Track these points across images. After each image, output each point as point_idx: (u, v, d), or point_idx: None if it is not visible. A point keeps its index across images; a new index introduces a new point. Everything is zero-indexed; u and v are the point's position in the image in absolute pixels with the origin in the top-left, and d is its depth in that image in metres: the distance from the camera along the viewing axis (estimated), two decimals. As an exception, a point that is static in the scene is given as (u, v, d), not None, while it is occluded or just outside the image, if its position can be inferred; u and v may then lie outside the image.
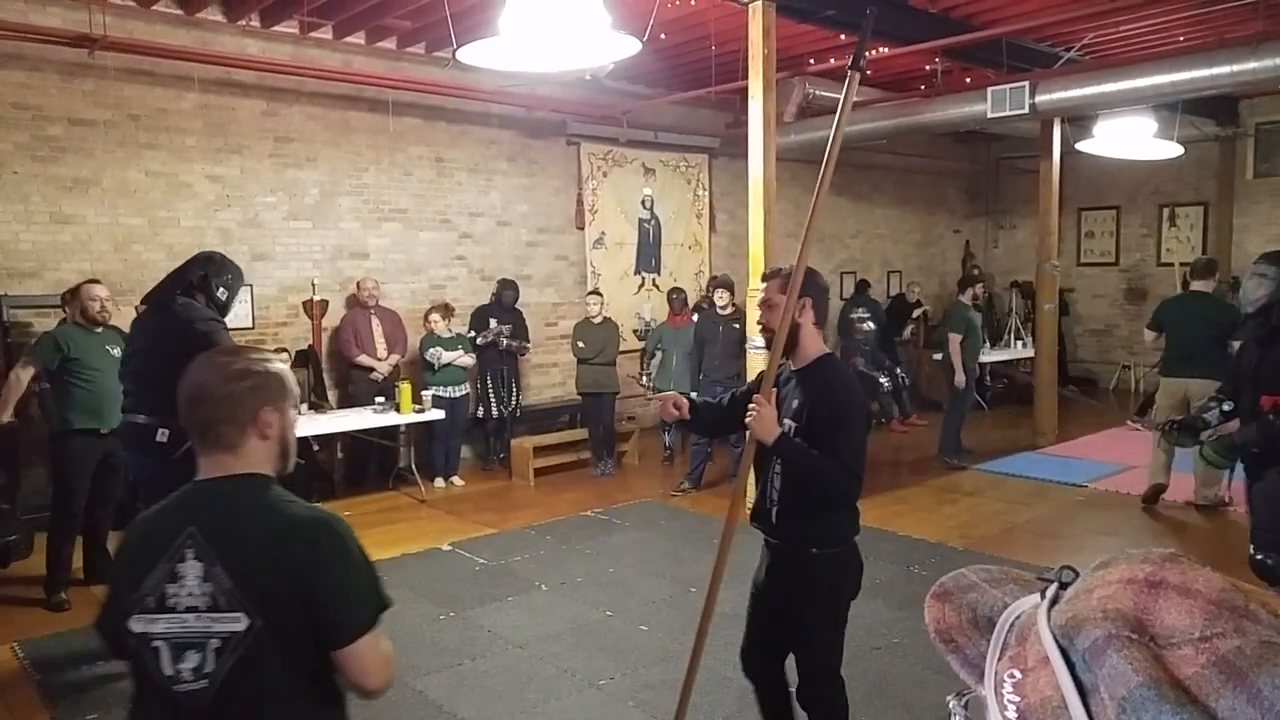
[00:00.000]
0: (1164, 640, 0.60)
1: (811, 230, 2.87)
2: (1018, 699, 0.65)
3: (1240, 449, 4.26)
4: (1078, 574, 0.72)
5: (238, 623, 1.64)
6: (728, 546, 2.96)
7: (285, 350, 7.88)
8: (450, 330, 8.48)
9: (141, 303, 4.61)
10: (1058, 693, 0.62)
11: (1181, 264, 10.52)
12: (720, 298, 8.20)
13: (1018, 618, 0.71)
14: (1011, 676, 0.66)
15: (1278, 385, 4.11)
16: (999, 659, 0.69)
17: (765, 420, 2.85)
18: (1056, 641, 0.64)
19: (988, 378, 12.55)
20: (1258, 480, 4.26)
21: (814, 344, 3.04)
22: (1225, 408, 4.48)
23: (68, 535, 5.64)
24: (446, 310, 8.49)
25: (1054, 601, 0.70)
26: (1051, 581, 0.72)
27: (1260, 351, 4.29)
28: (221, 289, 4.48)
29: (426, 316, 8.48)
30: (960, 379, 8.63)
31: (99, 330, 5.61)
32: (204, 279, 4.48)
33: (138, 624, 1.67)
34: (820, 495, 2.94)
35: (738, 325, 7.83)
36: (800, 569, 3.05)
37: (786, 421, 2.97)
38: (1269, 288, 4.36)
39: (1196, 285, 6.92)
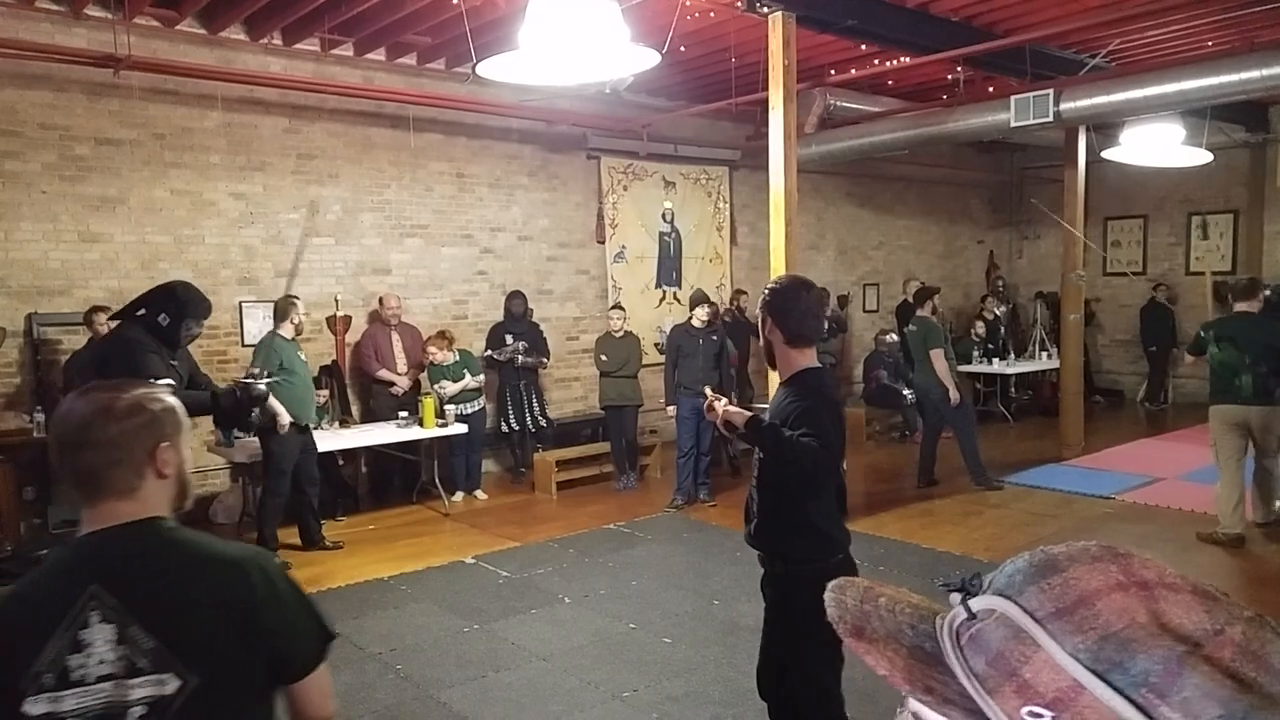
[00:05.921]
0: (1193, 643, 0.57)
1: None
2: None
3: None
4: (981, 582, 0.67)
5: (164, 685, 1.46)
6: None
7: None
8: (454, 354, 8.35)
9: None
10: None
11: (1212, 273, 10.31)
12: (701, 311, 8.12)
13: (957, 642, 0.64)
14: (1036, 715, 0.59)
15: None
16: (992, 694, 0.61)
17: (729, 411, 2.97)
18: (1086, 666, 0.58)
19: (1012, 389, 12.44)
20: None
21: (793, 359, 3.04)
22: None
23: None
24: (442, 339, 8.30)
25: (970, 616, 0.63)
26: (961, 590, 0.66)
27: None
28: (163, 315, 4.48)
29: (424, 348, 8.34)
30: (955, 395, 8.23)
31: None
32: (152, 306, 4.52)
33: (37, 706, 1.43)
34: (797, 476, 2.89)
35: (715, 338, 8.02)
36: (776, 583, 3.07)
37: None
38: None
39: (1241, 306, 6.66)
